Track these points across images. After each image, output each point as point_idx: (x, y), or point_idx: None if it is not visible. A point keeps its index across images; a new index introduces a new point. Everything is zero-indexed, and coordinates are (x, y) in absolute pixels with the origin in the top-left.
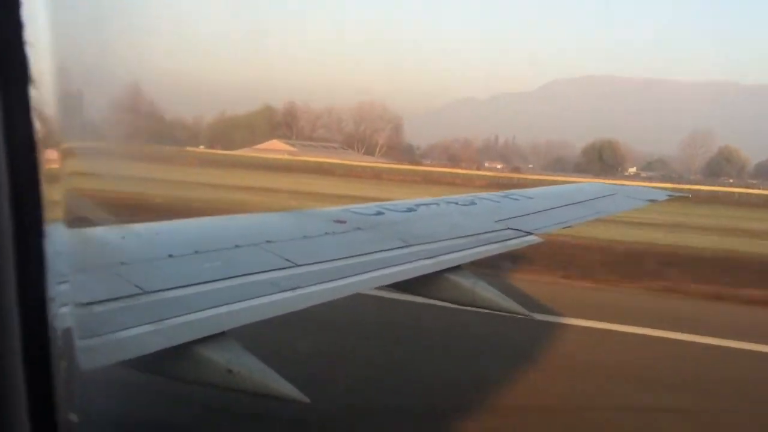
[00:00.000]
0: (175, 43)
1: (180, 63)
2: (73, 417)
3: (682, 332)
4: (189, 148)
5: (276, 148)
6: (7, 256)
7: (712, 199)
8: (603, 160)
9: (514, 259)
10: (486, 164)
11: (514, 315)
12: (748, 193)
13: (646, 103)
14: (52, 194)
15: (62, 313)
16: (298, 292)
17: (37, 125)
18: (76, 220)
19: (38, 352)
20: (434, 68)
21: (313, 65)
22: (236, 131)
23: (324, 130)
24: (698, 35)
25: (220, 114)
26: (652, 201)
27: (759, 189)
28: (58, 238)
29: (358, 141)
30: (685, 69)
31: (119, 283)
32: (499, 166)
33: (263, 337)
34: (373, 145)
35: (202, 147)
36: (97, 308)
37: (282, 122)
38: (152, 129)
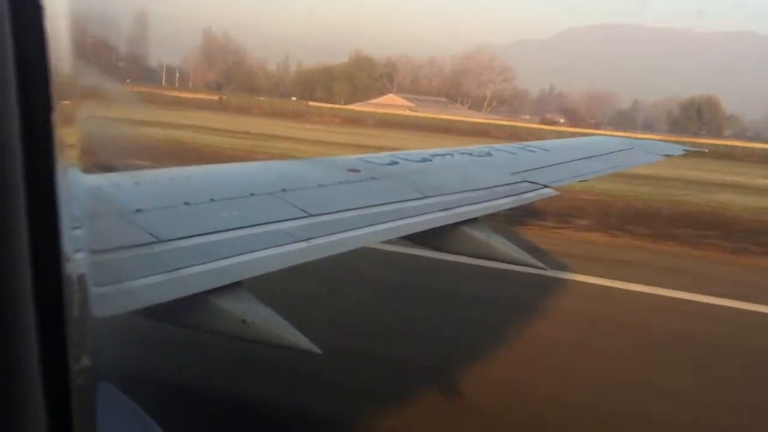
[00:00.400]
0: None
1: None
2: (86, 360)
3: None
4: (278, 99)
5: (393, 103)
6: (17, 198)
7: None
8: (702, 118)
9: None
10: (548, 117)
11: (529, 268)
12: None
13: (666, 53)
14: (69, 137)
15: (76, 259)
16: (313, 242)
17: (53, 60)
18: (103, 165)
19: (50, 296)
20: (445, 15)
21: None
22: (334, 82)
23: (426, 82)
24: None
25: (306, 64)
26: (667, 156)
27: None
28: (74, 182)
29: (463, 94)
30: (702, 20)
31: (134, 230)
32: (562, 120)
33: (274, 286)
34: (480, 99)
35: (294, 98)
36: (112, 256)
37: (383, 74)
38: (229, 76)
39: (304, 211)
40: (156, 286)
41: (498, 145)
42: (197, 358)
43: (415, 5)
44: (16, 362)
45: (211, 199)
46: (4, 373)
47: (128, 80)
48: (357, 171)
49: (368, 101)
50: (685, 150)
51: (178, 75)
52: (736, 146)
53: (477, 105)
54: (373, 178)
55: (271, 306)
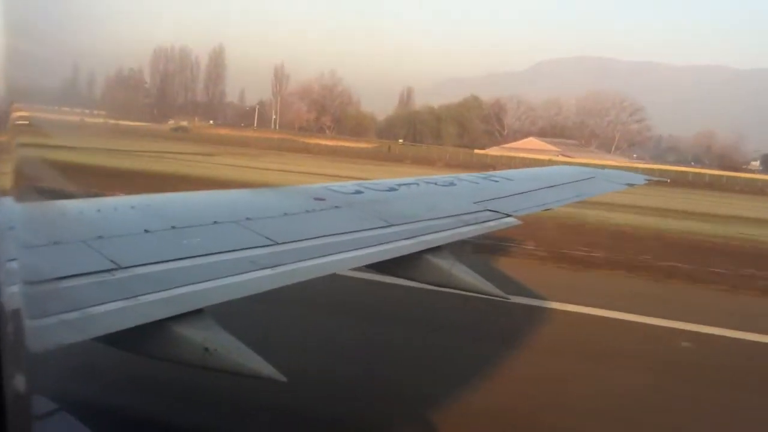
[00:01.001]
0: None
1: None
2: (22, 396)
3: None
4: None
5: (533, 147)
6: None
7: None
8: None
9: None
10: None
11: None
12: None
13: (639, 86)
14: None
15: (11, 293)
16: (278, 270)
17: None
18: (43, 193)
19: None
20: (417, 49)
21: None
22: (446, 124)
23: (543, 122)
24: (691, 20)
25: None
26: (630, 185)
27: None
28: (8, 214)
29: (588, 135)
30: (677, 53)
31: (94, 257)
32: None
33: (240, 315)
34: (609, 139)
35: (401, 141)
36: (71, 283)
37: (491, 114)
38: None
39: (269, 239)
40: (116, 313)
41: (462, 175)
42: (157, 387)
43: (375, 42)
44: None
45: (173, 227)
46: None
47: (211, 121)
48: (322, 200)
49: (504, 145)
50: (647, 179)
51: (274, 117)
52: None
53: (604, 146)
54: (338, 207)
55: (235, 334)
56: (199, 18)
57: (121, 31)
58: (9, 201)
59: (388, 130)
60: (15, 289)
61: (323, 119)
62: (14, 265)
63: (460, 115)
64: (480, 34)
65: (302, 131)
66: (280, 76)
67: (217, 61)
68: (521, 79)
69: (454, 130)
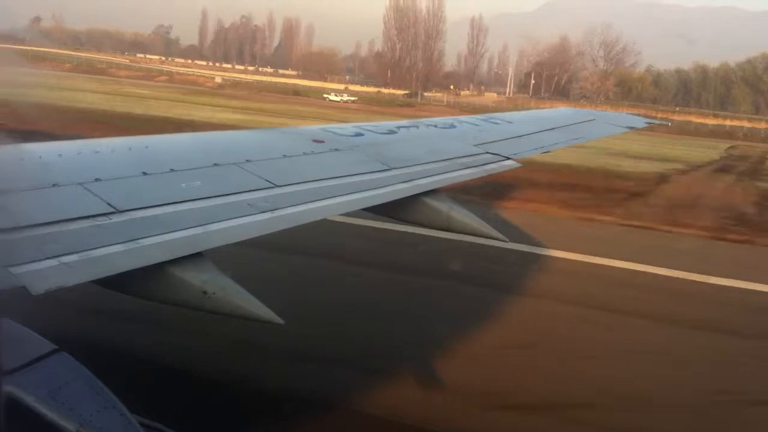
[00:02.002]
0: None
1: None
2: None
3: None
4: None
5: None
6: None
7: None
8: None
9: None
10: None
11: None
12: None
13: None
14: None
15: None
16: (276, 213)
17: None
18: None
19: None
20: None
21: None
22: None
23: None
24: None
25: None
26: (631, 128)
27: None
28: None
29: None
30: None
31: (92, 200)
32: None
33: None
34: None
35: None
36: (70, 226)
37: None
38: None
39: (268, 182)
40: (114, 256)
41: (462, 117)
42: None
43: None
44: None
45: (171, 170)
46: None
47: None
48: (321, 142)
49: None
50: (647, 122)
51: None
52: None
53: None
54: (337, 150)
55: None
56: None
57: None
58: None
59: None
60: None
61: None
62: None
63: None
64: None
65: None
66: None
67: None
68: (532, 18)
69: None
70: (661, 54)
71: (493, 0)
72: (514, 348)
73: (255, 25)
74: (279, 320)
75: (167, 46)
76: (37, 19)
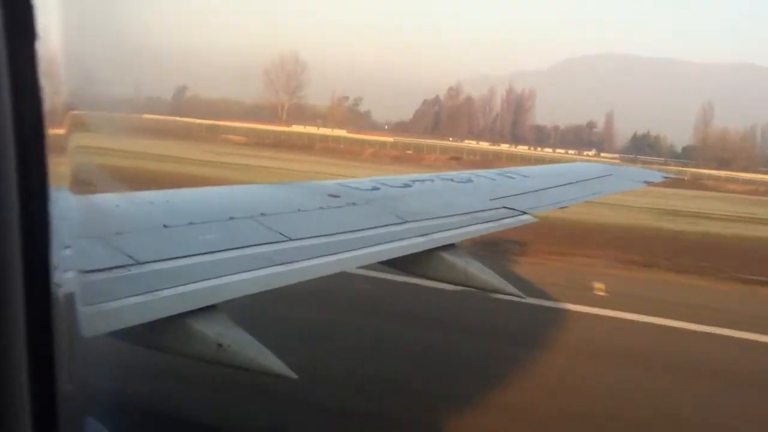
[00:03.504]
0: None
1: None
2: (73, 383)
3: None
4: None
5: None
6: (11, 219)
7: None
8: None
9: None
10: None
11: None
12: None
13: (664, 83)
14: (60, 162)
15: (66, 278)
16: (291, 266)
17: (45, 89)
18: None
19: (41, 315)
20: (438, 47)
21: None
22: None
23: None
24: (711, 15)
25: None
26: (647, 182)
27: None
28: (63, 203)
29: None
30: (700, 50)
31: (112, 252)
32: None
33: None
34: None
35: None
36: (89, 277)
37: None
38: None
39: (283, 235)
40: (132, 308)
41: (479, 171)
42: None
43: (394, 42)
44: (6, 383)
45: (190, 223)
46: None
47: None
48: (337, 197)
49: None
50: (664, 177)
51: None
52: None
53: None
54: (354, 204)
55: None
56: None
57: None
58: (66, 192)
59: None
60: (70, 275)
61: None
62: (69, 252)
63: None
64: (501, 33)
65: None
66: None
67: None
68: (548, 77)
69: None
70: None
71: (503, 57)
72: None
73: (469, 97)
74: (292, 375)
75: (355, 119)
76: (183, 89)
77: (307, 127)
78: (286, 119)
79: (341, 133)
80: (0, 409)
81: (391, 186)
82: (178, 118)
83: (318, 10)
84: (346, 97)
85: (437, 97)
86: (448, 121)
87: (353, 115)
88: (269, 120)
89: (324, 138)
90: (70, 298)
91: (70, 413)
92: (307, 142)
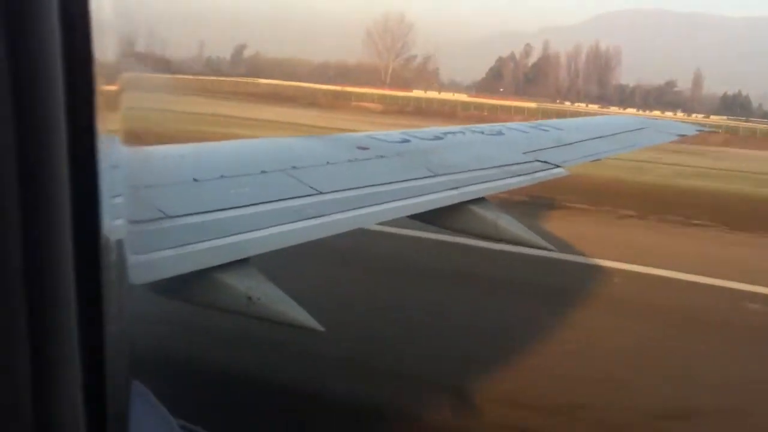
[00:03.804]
0: None
1: None
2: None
3: None
4: None
5: None
6: (59, 164)
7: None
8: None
9: None
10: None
11: (537, 249)
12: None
13: (704, 38)
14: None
15: (115, 226)
16: (322, 220)
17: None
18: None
19: (89, 261)
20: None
21: None
22: None
23: None
24: None
25: None
26: (681, 135)
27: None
28: (115, 151)
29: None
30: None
31: (142, 206)
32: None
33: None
34: None
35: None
36: (130, 228)
37: None
38: None
39: (314, 189)
40: (163, 261)
41: (510, 124)
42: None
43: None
44: (53, 324)
45: (222, 176)
46: (41, 337)
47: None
48: (366, 149)
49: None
50: (698, 130)
51: None
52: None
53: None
54: (383, 156)
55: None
56: None
57: None
58: (116, 142)
59: None
60: (120, 222)
61: None
62: (119, 200)
63: None
64: None
65: None
66: None
67: None
68: (577, 33)
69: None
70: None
71: (532, 12)
72: None
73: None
74: (320, 327)
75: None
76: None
77: (427, 92)
78: (389, 83)
79: (462, 97)
80: (48, 355)
81: (421, 138)
82: (263, 80)
83: None
84: (414, 56)
85: (512, 53)
86: (530, 80)
87: (425, 75)
88: (363, 82)
89: (464, 104)
90: (119, 245)
91: (117, 371)
92: (447, 109)
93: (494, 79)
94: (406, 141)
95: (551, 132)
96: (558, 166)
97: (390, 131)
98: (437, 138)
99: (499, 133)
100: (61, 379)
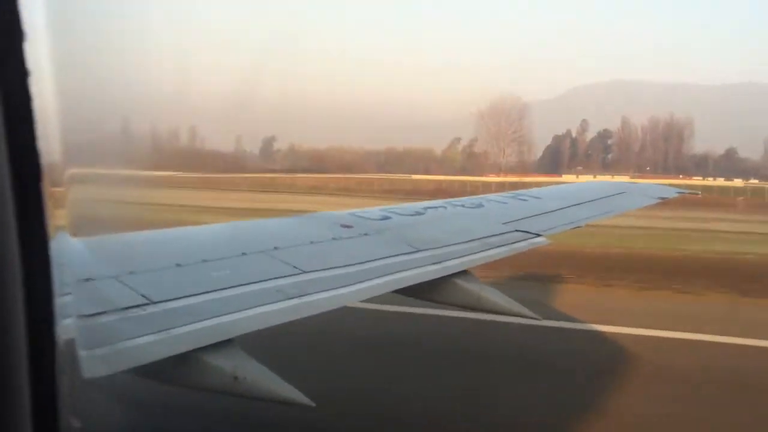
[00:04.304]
0: None
1: None
2: (75, 422)
3: None
4: None
5: None
6: (13, 267)
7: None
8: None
9: None
10: None
11: (521, 319)
12: None
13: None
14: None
15: (65, 324)
16: (305, 299)
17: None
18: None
19: (43, 361)
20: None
21: None
22: None
23: None
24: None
25: None
26: (662, 198)
27: None
28: (63, 249)
29: None
30: (706, 72)
31: (126, 293)
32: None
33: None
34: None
35: None
36: (105, 318)
37: None
38: None
39: (297, 268)
40: (148, 346)
41: (490, 196)
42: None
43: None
44: (9, 423)
45: (203, 260)
46: None
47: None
48: (349, 227)
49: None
50: (678, 192)
51: None
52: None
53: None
54: (366, 234)
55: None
56: None
57: None
58: (66, 238)
59: None
60: (69, 321)
61: None
62: (69, 299)
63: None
64: (507, 62)
65: None
66: None
67: None
68: (555, 106)
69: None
70: None
71: (511, 86)
72: None
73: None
74: (310, 402)
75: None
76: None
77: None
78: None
79: (540, 179)
80: None
81: (402, 214)
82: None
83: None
84: (458, 138)
85: (568, 131)
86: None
87: (469, 157)
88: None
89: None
90: (70, 343)
91: None
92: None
93: (551, 157)
94: (387, 218)
95: (530, 201)
96: (538, 235)
97: (371, 208)
98: (418, 213)
99: (479, 205)
100: None
